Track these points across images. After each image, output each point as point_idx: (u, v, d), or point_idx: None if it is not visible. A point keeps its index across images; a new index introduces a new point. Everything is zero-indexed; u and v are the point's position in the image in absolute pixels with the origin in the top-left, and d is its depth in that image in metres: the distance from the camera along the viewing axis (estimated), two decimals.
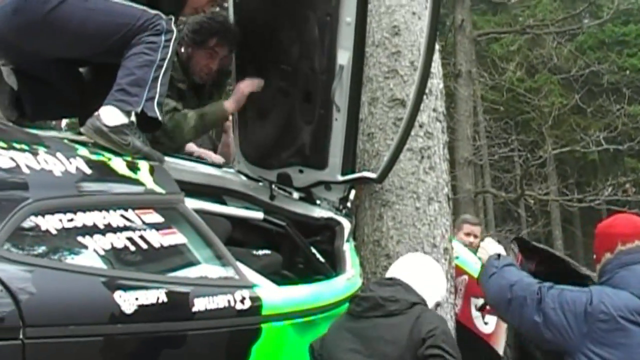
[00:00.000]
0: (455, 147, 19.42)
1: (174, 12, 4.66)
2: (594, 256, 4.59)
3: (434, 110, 5.71)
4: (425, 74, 4.74)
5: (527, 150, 22.05)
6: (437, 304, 4.45)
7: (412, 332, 3.88)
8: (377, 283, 4.41)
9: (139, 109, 4.22)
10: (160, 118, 4.33)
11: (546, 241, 26.82)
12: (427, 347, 3.80)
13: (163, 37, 4.41)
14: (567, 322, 4.22)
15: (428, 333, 3.84)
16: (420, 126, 5.53)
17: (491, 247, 4.99)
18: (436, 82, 5.78)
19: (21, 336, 2.65)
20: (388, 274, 4.44)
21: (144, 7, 4.48)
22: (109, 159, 3.89)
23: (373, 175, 5.26)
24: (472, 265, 6.03)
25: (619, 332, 4.12)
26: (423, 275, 4.37)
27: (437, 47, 5.34)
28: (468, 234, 8.19)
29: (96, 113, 4.19)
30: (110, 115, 4.16)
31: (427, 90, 5.31)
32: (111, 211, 3.42)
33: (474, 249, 7.96)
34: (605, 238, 4.52)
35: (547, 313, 4.28)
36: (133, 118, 4.22)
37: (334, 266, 4.94)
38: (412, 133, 5.20)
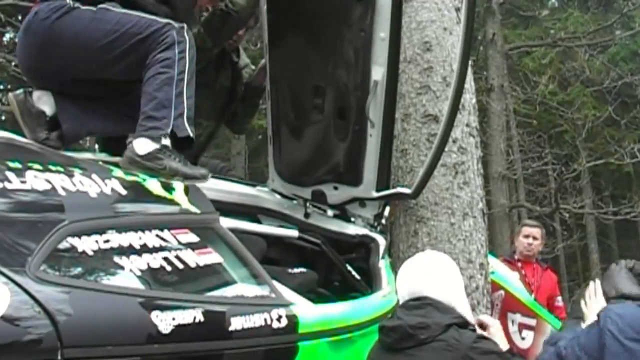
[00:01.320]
0: (488, 161, 19.33)
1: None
2: None
3: (467, 125, 5.70)
4: (459, 89, 4.73)
5: (561, 163, 21.90)
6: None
7: None
8: (404, 307, 3.96)
9: (168, 130, 4.21)
10: (191, 135, 4.31)
11: (582, 255, 26.63)
12: None
13: (176, 50, 4.39)
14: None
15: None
16: (454, 141, 5.52)
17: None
18: (469, 97, 5.77)
19: (59, 357, 2.65)
20: (411, 288, 4.01)
21: (154, 17, 4.47)
22: (144, 180, 3.90)
23: (408, 191, 5.24)
24: (509, 280, 6.00)
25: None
26: (445, 278, 4.00)
27: (469, 61, 5.33)
28: (527, 236, 8.18)
29: (129, 144, 4.21)
30: (141, 144, 4.17)
31: (460, 106, 5.29)
32: (147, 232, 3.42)
33: (533, 252, 7.97)
34: None
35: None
36: (166, 141, 4.21)
37: (369, 283, 4.92)
38: (446, 148, 5.18)
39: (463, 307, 3.95)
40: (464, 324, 3.84)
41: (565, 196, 21.34)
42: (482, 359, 3.64)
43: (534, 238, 8.17)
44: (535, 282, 8.05)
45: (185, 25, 4.52)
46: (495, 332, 4.06)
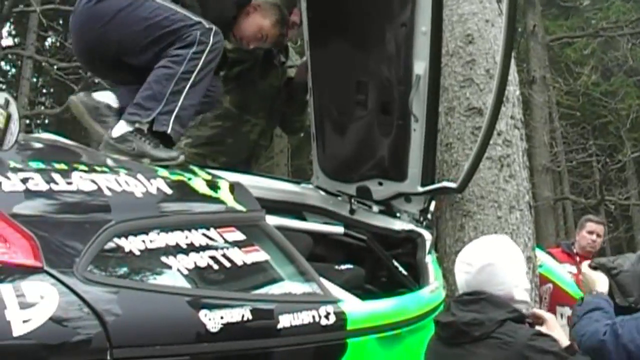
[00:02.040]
0: (532, 154, 19.20)
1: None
2: None
3: (512, 117, 5.65)
4: (503, 82, 4.67)
5: (605, 154, 21.69)
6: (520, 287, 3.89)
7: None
8: (458, 302, 3.89)
9: (145, 120, 4.31)
10: (168, 131, 4.35)
11: (628, 247, 26.36)
12: None
13: (191, 49, 4.44)
14: None
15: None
16: (499, 134, 5.46)
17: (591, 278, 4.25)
18: (512, 89, 5.71)
19: (109, 357, 2.66)
20: (466, 281, 3.92)
21: (187, 14, 4.55)
22: (189, 179, 3.91)
23: (453, 185, 5.20)
24: (557, 273, 5.95)
25: None
26: (502, 268, 3.84)
27: (512, 53, 5.28)
28: (591, 232, 8.11)
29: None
30: (117, 128, 4.29)
31: (504, 98, 5.24)
32: (193, 230, 3.43)
33: (596, 249, 7.88)
34: None
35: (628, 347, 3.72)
36: (141, 126, 4.30)
37: (416, 279, 4.89)
38: (491, 141, 5.12)
39: (521, 294, 3.85)
40: (520, 318, 3.77)
41: (610, 187, 21.23)
42: (539, 358, 3.53)
43: (598, 235, 8.08)
44: None
45: (214, 28, 4.56)
46: (554, 327, 3.91)
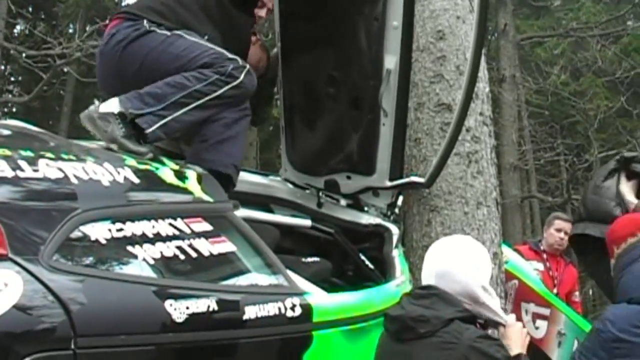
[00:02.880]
0: (500, 152, 19.30)
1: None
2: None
3: (481, 114, 5.68)
4: (473, 78, 4.69)
5: (573, 154, 21.83)
6: (484, 288, 3.78)
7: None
8: (410, 295, 3.85)
9: (133, 112, 4.28)
10: (147, 131, 4.30)
11: None
12: None
13: (218, 76, 4.44)
14: None
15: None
16: (467, 130, 5.49)
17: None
18: (482, 86, 5.75)
19: (73, 346, 2.64)
20: (423, 275, 3.91)
21: (221, 50, 4.56)
22: (157, 169, 3.89)
23: (421, 180, 5.22)
24: (523, 269, 5.98)
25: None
26: (457, 268, 3.76)
27: (483, 50, 5.30)
28: (559, 230, 8.06)
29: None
30: (107, 104, 4.30)
31: (473, 95, 5.26)
32: (160, 220, 3.41)
33: (563, 247, 7.90)
34: (608, 246, 4.47)
35: None
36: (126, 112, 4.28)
37: (383, 272, 4.90)
38: (459, 137, 5.15)
39: (485, 297, 3.76)
40: (470, 319, 3.68)
41: (577, 187, 21.33)
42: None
43: (566, 233, 8.07)
44: (558, 276, 8.00)
45: (248, 67, 4.59)
46: (510, 333, 3.79)
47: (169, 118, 4.33)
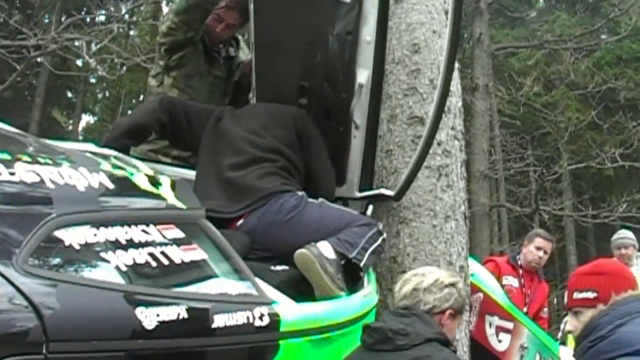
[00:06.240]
0: (471, 160, 19.44)
1: None
2: (591, 295, 3.84)
3: (452, 128, 5.76)
4: (445, 93, 4.75)
5: (542, 165, 22.00)
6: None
7: None
8: (392, 313, 4.18)
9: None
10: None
11: (559, 256, 26.77)
12: None
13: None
14: None
15: None
16: (439, 144, 5.58)
17: None
18: (455, 101, 5.83)
19: (44, 351, 2.66)
20: (401, 298, 4.25)
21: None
22: (131, 174, 3.92)
23: (390, 193, 5.30)
24: (487, 283, 6.05)
25: None
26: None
27: (456, 65, 5.37)
28: (538, 248, 8.12)
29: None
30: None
31: (445, 109, 5.33)
32: (133, 226, 3.42)
33: (540, 266, 7.94)
34: (621, 282, 3.87)
35: None
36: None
37: (351, 282, 4.95)
38: (430, 151, 5.22)
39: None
40: (445, 342, 3.90)
41: (546, 197, 21.54)
42: None
43: (545, 252, 8.11)
44: (530, 294, 8.05)
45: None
46: None
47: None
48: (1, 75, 20.27)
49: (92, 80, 32.12)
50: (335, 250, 4.53)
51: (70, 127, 30.99)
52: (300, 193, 4.83)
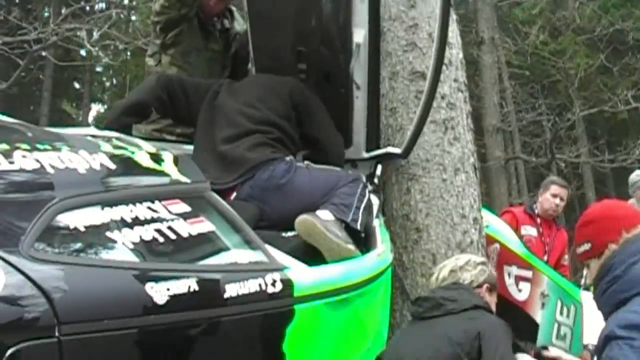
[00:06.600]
0: (482, 115, 19.37)
1: None
2: (587, 246, 3.78)
3: (455, 80, 5.71)
4: (442, 45, 4.74)
5: (555, 113, 21.85)
6: None
7: (467, 330, 4.04)
8: (442, 288, 4.50)
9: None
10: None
11: (580, 204, 26.69)
12: (477, 350, 3.96)
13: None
14: None
15: (483, 332, 3.99)
16: (442, 97, 5.54)
17: None
18: (455, 52, 5.78)
19: (57, 333, 2.67)
20: (441, 280, 4.58)
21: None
22: (133, 153, 3.92)
23: (398, 151, 5.28)
24: (503, 233, 6.03)
25: None
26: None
27: (454, 16, 5.34)
28: (554, 196, 8.10)
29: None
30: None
31: (446, 61, 5.31)
32: (138, 204, 3.42)
33: (557, 213, 7.92)
34: (612, 221, 3.78)
35: None
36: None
37: (364, 243, 4.94)
38: (435, 105, 5.20)
39: None
40: (490, 311, 4.35)
41: (561, 146, 21.40)
42: (491, 338, 3.99)
43: (561, 199, 8.07)
44: (549, 242, 8.03)
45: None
46: None
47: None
48: (6, 73, 20.29)
49: (98, 69, 32.16)
50: (335, 217, 4.55)
51: (81, 118, 31.01)
52: (288, 158, 4.86)
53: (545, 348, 5.24)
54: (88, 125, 30.27)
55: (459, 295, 4.30)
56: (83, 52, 24.03)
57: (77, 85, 33.00)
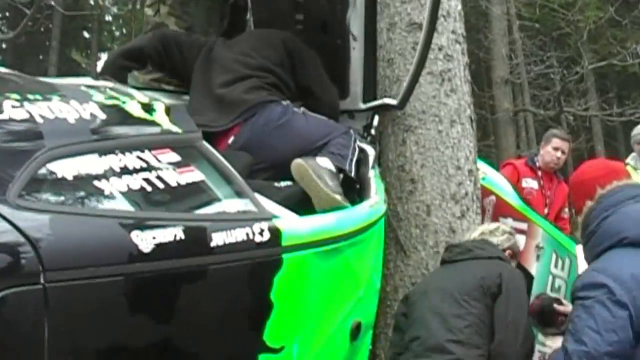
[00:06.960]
0: (491, 66, 19.32)
1: None
2: (573, 211, 4.30)
3: (453, 32, 5.71)
4: None
5: (564, 66, 21.74)
6: None
7: (491, 269, 4.41)
8: (471, 242, 4.83)
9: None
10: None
11: (589, 157, 26.62)
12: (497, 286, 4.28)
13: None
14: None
15: (504, 274, 4.34)
16: (440, 49, 5.54)
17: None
18: (454, 4, 5.77)
19: (42, 280, 2.71)
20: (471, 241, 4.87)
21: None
22: (124, 102, 3.92)
23: (394, 102, 5.28)
24: (499, 185, 6.04)
25: None
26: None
27: None
28: (556, 149, 8.04)
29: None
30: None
31: (445, 13, 5.31)
32: (127, 153, 3.44)
33: (559, 166, 7.90)
34: (581, 186, 4.00)
35: None
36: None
37: (359, 194, 4.97)
38: (432, 56, 5.20)
39: None
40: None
41: (570, 99, 21.31)
42: (510, 281, 4.32)
43: (563, 152, 8.03)
44: (550, 194, 8.01)
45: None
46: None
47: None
48: (15, 22, 20.27)
49: (108, 19, 32.07)
50: (334, 165, 4.62)
51: (90, 67, 30.98)
52: (285, 102, 4.90)
53: (558, 301, 5.24)
54: (97, 74, 30.39)
55: (488, 246, 4.70)
56: (92, 1, 23.99)
57: (86, 35, 32.92)
